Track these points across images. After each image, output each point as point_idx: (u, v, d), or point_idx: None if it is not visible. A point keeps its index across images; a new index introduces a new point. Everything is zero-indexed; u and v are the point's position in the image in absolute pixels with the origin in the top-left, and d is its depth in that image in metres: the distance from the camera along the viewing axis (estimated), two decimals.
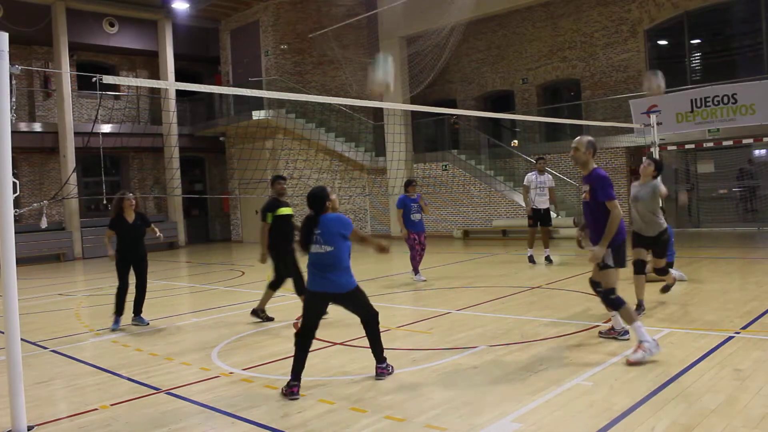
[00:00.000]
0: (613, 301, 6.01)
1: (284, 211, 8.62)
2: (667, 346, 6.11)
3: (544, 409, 4.64)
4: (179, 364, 6.50)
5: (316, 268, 5.44)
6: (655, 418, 4.32)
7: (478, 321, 7.92)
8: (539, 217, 13.21)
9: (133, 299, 8.82)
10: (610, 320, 6.80)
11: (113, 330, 8.52)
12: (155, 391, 5.58)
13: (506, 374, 5.55)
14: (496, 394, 5.02)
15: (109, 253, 8.82)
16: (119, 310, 8.70)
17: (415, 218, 11.64)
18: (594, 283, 6.49)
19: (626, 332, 6.43)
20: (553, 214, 13.71)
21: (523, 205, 13.66)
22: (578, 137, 6.26)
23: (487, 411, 4.65)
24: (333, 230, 5.40)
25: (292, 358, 5.31)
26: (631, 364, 5.55)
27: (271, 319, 8.69)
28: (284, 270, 8.58)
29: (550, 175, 13.45)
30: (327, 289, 5.40)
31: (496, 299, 9.40)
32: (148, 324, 8.81)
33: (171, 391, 5.57)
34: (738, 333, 6.53)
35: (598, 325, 7.18)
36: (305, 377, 5.34)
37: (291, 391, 5.23)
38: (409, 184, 11.84)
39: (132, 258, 8.81)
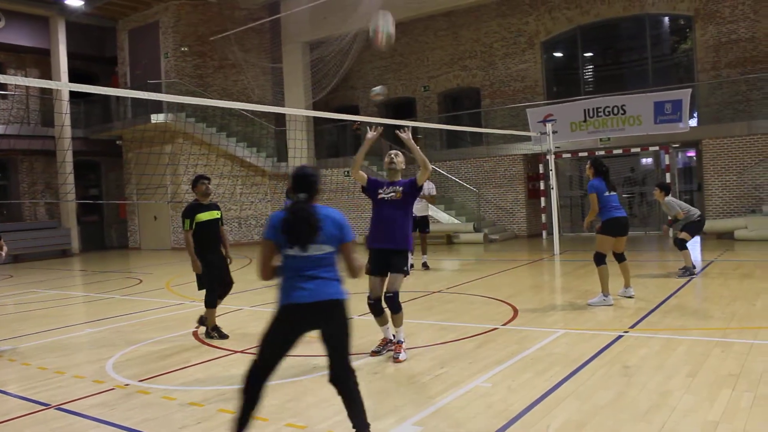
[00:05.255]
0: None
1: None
2: (562, 347, 6.36)
3: (444, 412, 4.72)
4: (71, 377, 6.21)
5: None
6: (550, 416, 4.47)
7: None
8: (417, 225, 13.31)
9: None
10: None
11: None
12: (44, 407, 5.30)
13: (407, 378, 5.60)
14: (397, 399, 5.07)
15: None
16: None
17: None
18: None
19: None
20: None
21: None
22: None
23: (388, 416, 4.68)
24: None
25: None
26: None
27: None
28: None
29: (432, 184, 13.62)
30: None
31: None
32: None
33: (62, 406, 5.31)
34: (627, 332, 6.87)
35: (496, 328, 7.37)
36: (204, 386, 5.18)
37: None
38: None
39: None
